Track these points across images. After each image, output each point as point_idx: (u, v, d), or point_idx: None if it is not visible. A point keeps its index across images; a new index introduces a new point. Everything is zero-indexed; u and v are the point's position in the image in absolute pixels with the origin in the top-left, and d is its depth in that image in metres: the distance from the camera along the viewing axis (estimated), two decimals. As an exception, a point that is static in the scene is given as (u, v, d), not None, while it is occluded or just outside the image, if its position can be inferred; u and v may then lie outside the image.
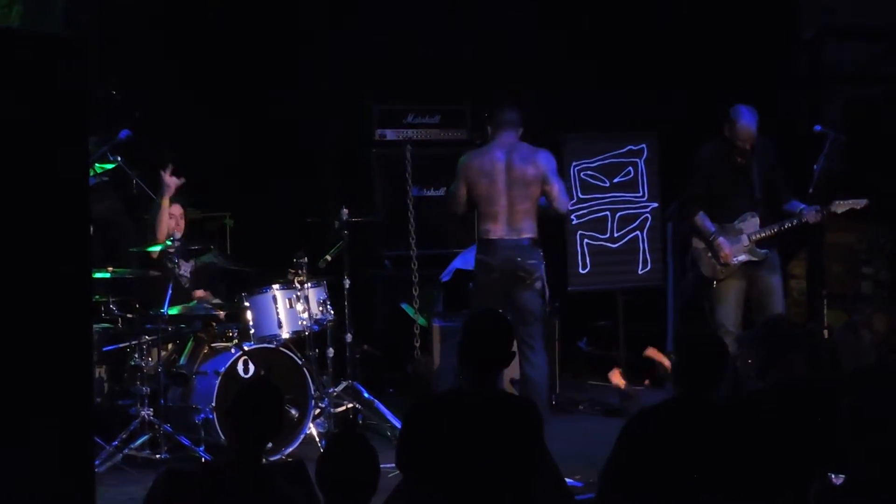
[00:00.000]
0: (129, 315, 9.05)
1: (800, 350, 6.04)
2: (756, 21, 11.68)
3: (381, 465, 4.79)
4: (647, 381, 11.24)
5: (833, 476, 5.55)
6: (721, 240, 9.32)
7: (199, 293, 9.53)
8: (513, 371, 9.77)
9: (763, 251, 9.33)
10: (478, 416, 5.30)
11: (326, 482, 4.76)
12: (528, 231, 8.82)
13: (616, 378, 9.90)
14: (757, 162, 9.24)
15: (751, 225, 9.35)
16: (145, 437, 8.58)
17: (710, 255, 9.41)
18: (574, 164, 10.28)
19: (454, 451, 5.23)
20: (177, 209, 9.36)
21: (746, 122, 9.20)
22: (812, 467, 5.50)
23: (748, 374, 9.10)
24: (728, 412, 5.57)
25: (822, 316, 9.87)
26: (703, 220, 9.43)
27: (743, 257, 9.36)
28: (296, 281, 9.14)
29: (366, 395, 9.65)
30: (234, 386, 8.53)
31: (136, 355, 8.84)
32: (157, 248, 9.04)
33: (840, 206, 9.18)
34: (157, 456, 8.49)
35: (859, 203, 9.16)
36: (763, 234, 9.31)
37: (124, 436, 8.51)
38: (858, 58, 11.65)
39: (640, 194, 10.38)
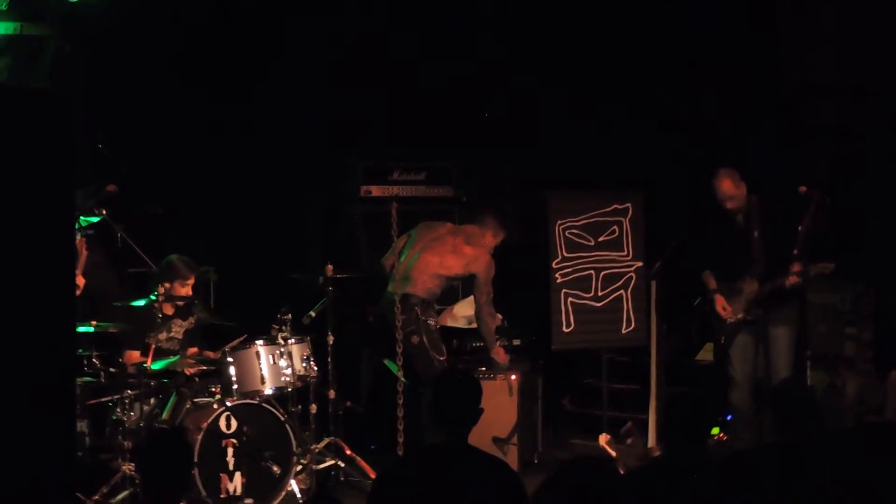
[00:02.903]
0: (111, 369, 9.02)
1: (807, 416, 6.02)
2: (737, 80, 11.74)
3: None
4: (630, 441, 11.21)
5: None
6: (717, 297, 9.52)
7: (192, 351, 9.52)
8: (495, 429, 9.78)
9: (759, 311, 9.39)
10: (449, 474, 5.30)
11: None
12: None
13: (604, 443, 9.90)
14: (761, 222, 9.32)
15: (749, 284, 9.42)
16: (126, 492, 8.55)
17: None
18: (559, 222, 10.28)
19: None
20: (190, 281, 9.35)
21: (718, 183, 9.37)
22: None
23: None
24: (713, 473, 5.56)
25: (805, 376, 9.87)
26: (706, 278, 9.65)
27: (741, 316, 9.45)
28: (279, 337, 9.14)
29: (348, 451, 9.64)
30: (215, 442, 8.53)
31: (119, 410, 8.82)
32: (141, 303, 9.02)
33: (813, 269, 9.22)
34: (137, 511, 8.46)
35: (827, 268, 9.21)
36: (755, 295, 9.37)
37: (105, 490, 8.50)
38: (841, 115, 11.70)
39: (625, 253, 10.38)
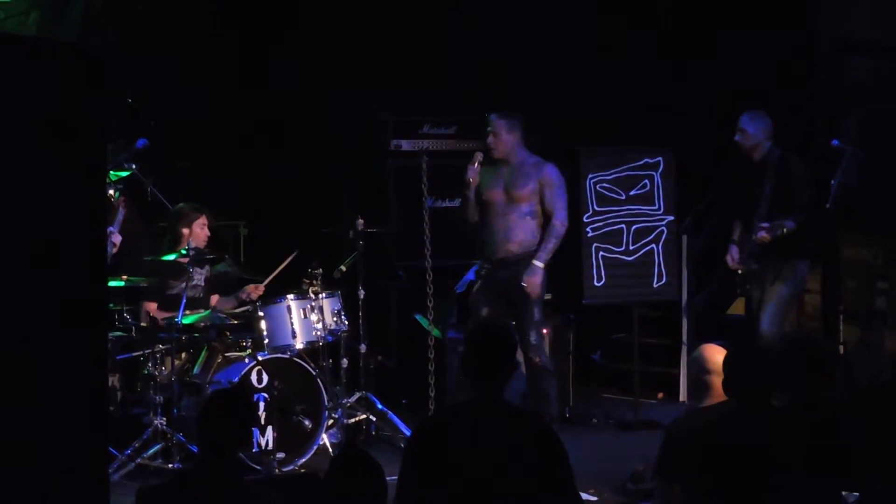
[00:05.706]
0: (142, 324, 9.04)
1: (827, 372, 5.99)
2: (773, 35, 11.63)
3: (388, 478, 4.78)
4: (660, 395, 11.22)
5: (847, 494, 5.53)
6: (731, 246, 9.44)
7: (215, 298, 9.53)
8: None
9: (752, 264, 9.30)
10: (485, 429, 5.26)
11: (334, 499, 4.74)
12: None
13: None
14: (775, 176, 9.21)
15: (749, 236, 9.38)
16: (158, 447, 8.58)
17: None
18: (590, 176, 10.24)
19: (459, 464, 5.20)
20: (203, 220, 9.34)
21: (742, 125, 9.30)
22: (830, 485, 5.47)
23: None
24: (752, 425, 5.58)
25: (837, 331, 9.82)
26: (733, 227, 9.56)
27: (741, 267, 9.40)
28: (310, 291, 9.14)
29: (379, 406, 9.66)
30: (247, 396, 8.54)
31: (150, 364, 8.82)
32: (171, 258, 9.03)
33: (778, 228, 9.06)
34: (170, 465, 8.47)
35: (786, 227, 9.06)
36: (754, 247, 9.29)
37: (137, 444, 8.51)
38: (876, 73, 11.59)
39: (656, 207, 10.34)
